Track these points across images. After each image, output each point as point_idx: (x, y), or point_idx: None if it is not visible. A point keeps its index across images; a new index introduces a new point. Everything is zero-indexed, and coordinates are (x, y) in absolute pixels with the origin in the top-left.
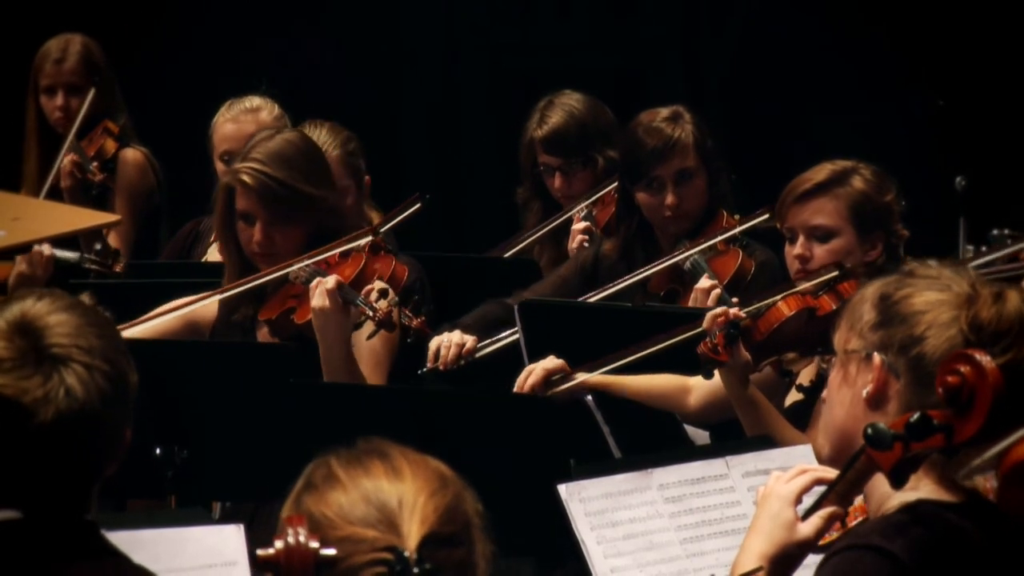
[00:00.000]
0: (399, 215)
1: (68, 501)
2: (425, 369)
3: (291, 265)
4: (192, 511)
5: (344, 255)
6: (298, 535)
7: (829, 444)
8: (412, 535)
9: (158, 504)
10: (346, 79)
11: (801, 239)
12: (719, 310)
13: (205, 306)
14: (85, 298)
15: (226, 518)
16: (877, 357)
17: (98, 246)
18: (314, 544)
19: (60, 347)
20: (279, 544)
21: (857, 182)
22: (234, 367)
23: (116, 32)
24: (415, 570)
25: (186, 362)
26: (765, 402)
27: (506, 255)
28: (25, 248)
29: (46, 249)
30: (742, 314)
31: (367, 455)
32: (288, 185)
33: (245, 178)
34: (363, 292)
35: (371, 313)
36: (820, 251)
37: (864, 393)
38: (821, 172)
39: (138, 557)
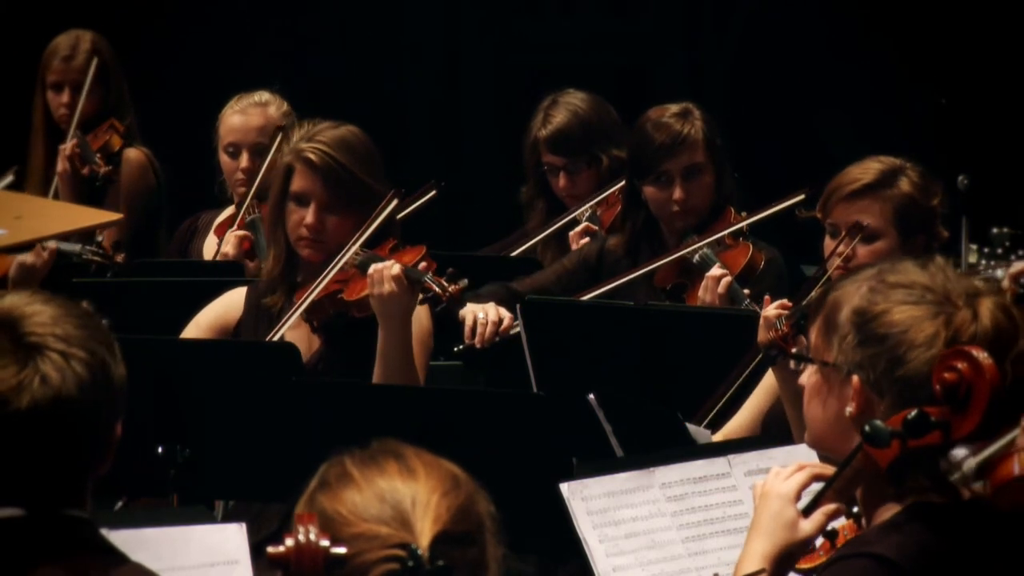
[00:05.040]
0: (415, 202)
1: (53, 495)
2: (461, 347)
3: (346, 253)
4: (194, 510)
5: (395, 249)
6: (308, 533)
7: (815, 445)
8: (425, 533)
9: (160, 502)
10: (348, 77)
11: (844, 237)
12: (779, 304)
13: (229, 308)
14: (84, 305)
15: (228, 517)
16: (856, 379)
17: (100, 237)
18: (324, 542)
19: (36, 336)
20: (289, 542)
21: (904, 184)
22: (236, 366)
23: (117, 29)
24: (427, 567)
25: (188, 361)
26: None
27: (512, 255)
28: (27, 247)
29: (51, 243)
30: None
31: (382, 455)
32: (350, 171)
33: (311, 156)
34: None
35: (439, 290)
36: (863, 251)
37: (847, 412)
38: (869, 172)
39: (140, 555)
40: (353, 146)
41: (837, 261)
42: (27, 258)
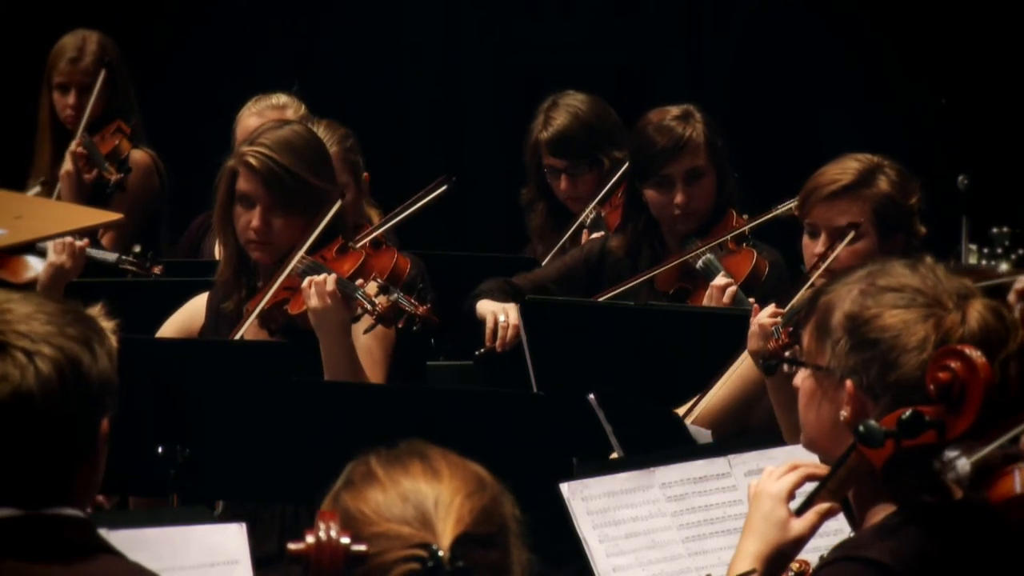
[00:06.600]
0: (426, 197)
1: (36, 494)
2: (482, 350)
3: (291, 260)
4: (194, 510)
5: (343, 250)
6: (329, 530)
7: (810, 448)
8: (446, 534)
9: (160, 502)
10: (349, 76)
11: (823, 237)
12: (771, 312)
13: (192, 316)
14: (97, 309)
15: (228, 517)
16: (850, 383)
17: (137, 248)
18: (345, 540)
19: (0, 334)
20: (310, 539)
21: (883, 184)
22: (237, 366)
23: (118, 29)
24: (447, 568)
25: (188, 360)
26: None
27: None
28: (26, 247)
29: (79, 242)
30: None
31: (407, 455)
32: (293, 173)
33: (251, 160)
34: (362, 286)
35: (369, 307)
36: (844, 252)
37: (842, 416)
38: (848, 172)
39: (140, 556)
40: (295, 147)
41: (816, 260)
42: (58, 259)
